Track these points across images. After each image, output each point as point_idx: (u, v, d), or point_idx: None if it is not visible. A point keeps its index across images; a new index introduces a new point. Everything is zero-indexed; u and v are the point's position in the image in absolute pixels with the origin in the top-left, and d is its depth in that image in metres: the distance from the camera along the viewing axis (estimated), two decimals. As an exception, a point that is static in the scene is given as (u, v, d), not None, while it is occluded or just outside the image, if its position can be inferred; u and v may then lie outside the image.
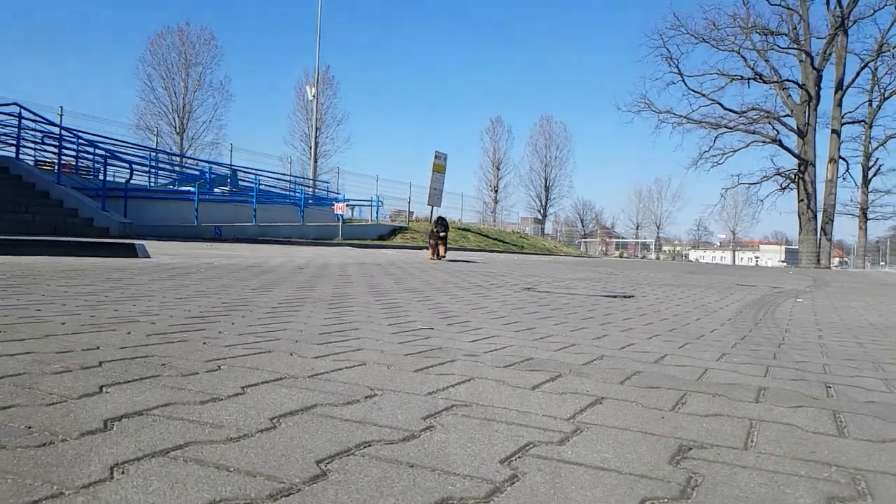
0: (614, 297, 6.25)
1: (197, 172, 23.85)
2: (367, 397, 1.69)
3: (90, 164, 19.01)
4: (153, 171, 21.83)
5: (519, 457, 1.27)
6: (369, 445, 1.29)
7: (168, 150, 31.33)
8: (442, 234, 11.83)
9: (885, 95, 36.80)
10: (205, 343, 2.37)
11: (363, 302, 4.35)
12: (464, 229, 28.68)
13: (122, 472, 1.09)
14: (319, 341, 2.55)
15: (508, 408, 1.65)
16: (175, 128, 36.66)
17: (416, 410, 1.58)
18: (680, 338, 3.30)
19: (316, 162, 31.09)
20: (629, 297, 6.37)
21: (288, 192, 25.31)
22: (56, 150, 17.03)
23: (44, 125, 17.07)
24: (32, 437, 1.27)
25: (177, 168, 24.80)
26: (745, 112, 36.39)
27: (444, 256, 12.18)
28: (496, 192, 52.27)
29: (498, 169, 52.99)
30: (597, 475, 1.19)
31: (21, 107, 16.12)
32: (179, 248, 11.85)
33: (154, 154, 23.63)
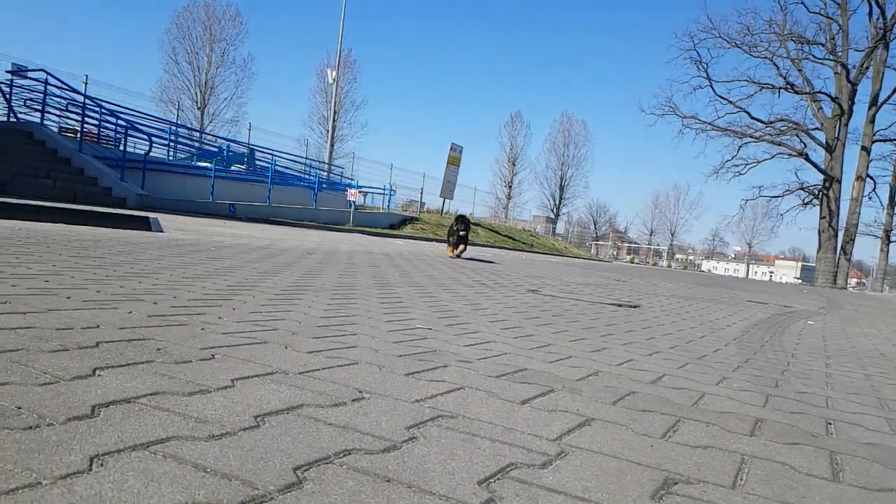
0: (619, 305, 6.21)
1: (215, 149, 23.99)
2: (354, 400, 1.68)
3: (111, 133, 19.17)
4: (172, 144, 21.99)
5: (498, 479, 1.26)
6: (349, 454, 1.29)
7: (188, 125, 31.51)
8: (462, 233, 11.21)
9: (922, 114, 36.15)
10: (203, 329, 2.38)
11: (365, 293, 4.36)
12: (474, 224, 28.65)
13: (101, 465, 1.10)
14: (316, 335, 2.55)
15: (494, 423, 1.64)
16: (196, 103, 36.87)
17: (401, 419, 1.57)
18: (681, 356, 3.27)
19: (332, 146, 31.15)
20: (635, 306, 6.33)
21: (303, 175, 25.40)
22: (79, 119, 17.19)
23: (68, 93, 17.22)
24: (21, 419, 1.28)
25: (195, 143, 24.95)
26: (772, 122, 35.84)
27: (461, 255, 11.54)
28: (510, 188, 52.05)
29: (513, 165, 52.73)
30: (575, 504, 1.18)
31: (48, 73, 16.28)
32: (193, 223, 11.94)
33: (174, 128, 23.77)
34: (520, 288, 6.77)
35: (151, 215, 9.23)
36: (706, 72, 35.78)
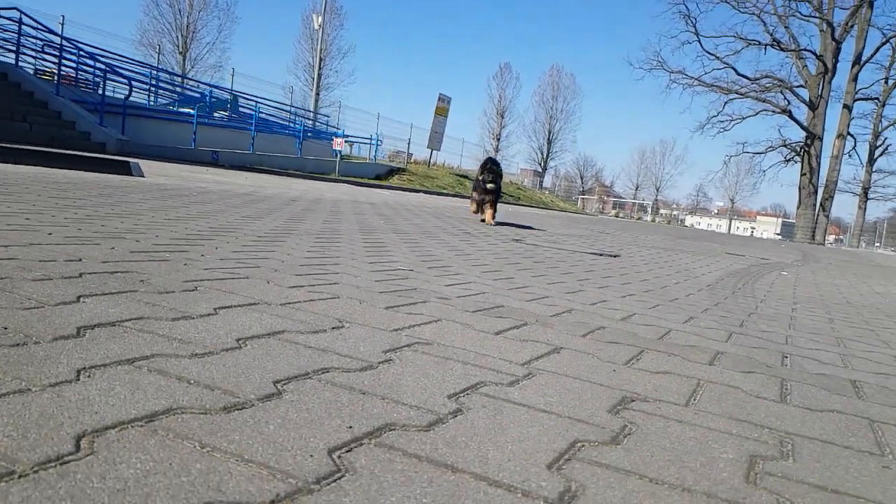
0: (600, 255, 6.32)
1: (197, 95, 23.45)
2: (334, 328, 1.75)
3: (90, 77, 18.64)
4: (153, 89, 21.44)
5: (467, 394, 1.34)
6: (327, 371, 1.36)
7: (169, 70, 30.67)
8: (490, 185, 7.67)
9: (903, 74, 36.16)
10: (185, 264, 2.42)
11: (349, 238, 4.40)
12: (462, 176, 28.53)
13: (89, 376, 1.16)
14: (298, 272, 2.61)
15: (468, 349, 1.72)
16: (178, 47, 35.79)
17: (378, 344, 1.64)
18: (654, 299, 3.37)
19: (318, 94, 30.56)
20: (615, 256, 6.44)
21: (288, 123, 24.99)
22: (56, 61, 16.67)
23: (44, 33, 16.64)
24: (7, 337, 1.33)
25: (178, 89, 24.36)
26: (758, 79, 35.76)
27: (491, 221, 8.03)
28: (498, 140, 51.62)
29: (502, 117, 52.17)
30: (537, 416, 1.27)
31: (21, 12, 15.68)
32: (175, 169, 11.80)
33: (155, 72, 23.15)
34: (504, 238, 6.84)
35: (132, 160, 9.11)
36: (694, 27, 35.37)
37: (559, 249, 6.17)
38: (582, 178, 64.42)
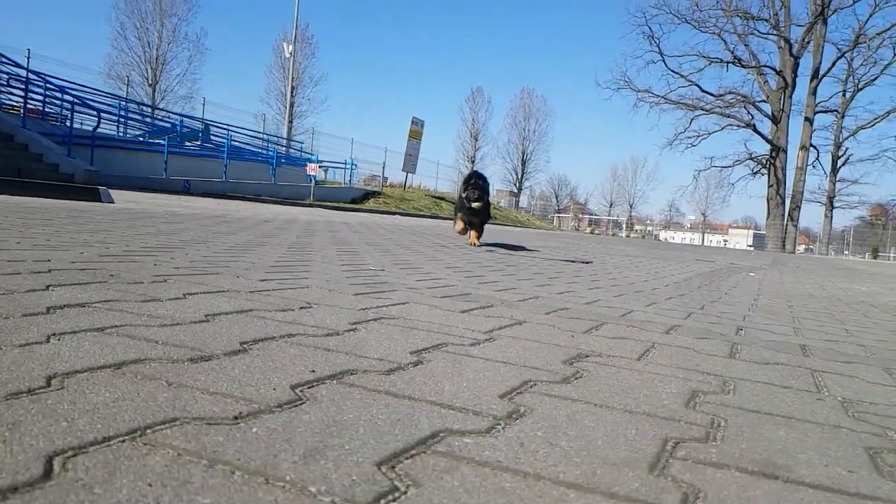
0: (573, 261, 6.43)
1: (168, 125, 23.36)
2: (302, 308, 1.81)
3: (57, 110, 18.50)
4: (122, 120, 21.33)
5: (429, 351, 1.41)
6: (293, 336, 1.42)
7: (139, 101, 30.54)
8: (475, 204, 6.29)
9: (859, 86, 37.49)
10: (155, 265, 2.46)
11: (322, 248, 4.45)
12: (438, 198, 28.73)
13: (58, 339, 1.20)
14: (269, 271, 2.65)
15: (433, 322, 1.78)
16: (147, 79, 35.70)
17: (345, 318, 1.70)
18: (619, 290, 3.48)
19: (291, 122, 30.68)
20: (588, 262, 6.57)
21: (261, 150, 24.99)
22: (22, 94, 16.53)
23: (10, 67, 16.53)
24: (-23, 318, 1.36)
25: (147, 119, 24.26)
26: (721, 95, 36.83)
27: (476, 242, 6.66)
28: (472, 162, 52.11)
29: (476, 140, 52.77)
30: (493, 365, 1.34)
31: (-16, 46, 15.56)
32: (145, 197, 11.73)
33: (124, 104, 23.05)
34: (479, 248, 6.93)
35: (101, 187, 9.06)
36: (658, 47, 36.38)
37: (532, 257, 6.27)
38: (557, 197, 65.27)
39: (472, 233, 6.67)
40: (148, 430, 0.78)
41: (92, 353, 1.11)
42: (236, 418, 0.85)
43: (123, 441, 0.74)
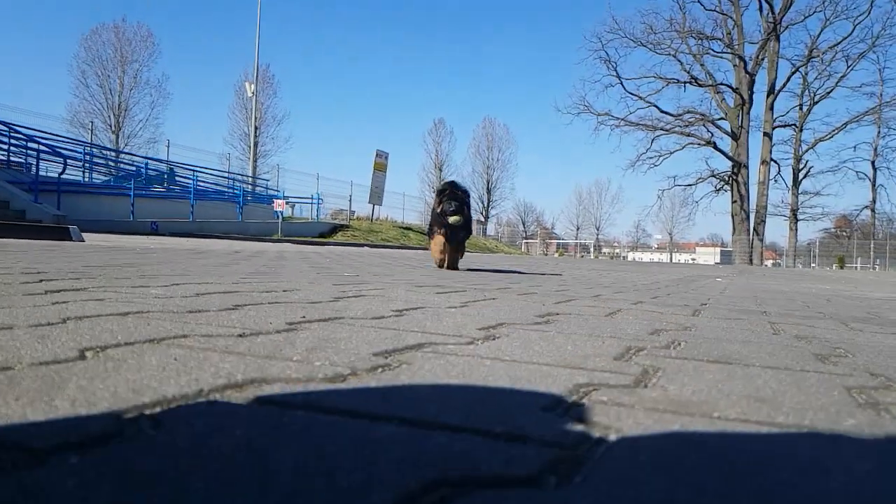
0: (542, 274, 6.58)
1: (133, 169, 23.19)
2: (285, 291, 1.88)
3: (22, 158, 18.26)
4: (88, 165, 21.11)
5: (409, 311, 1.50)
6: (279, 304, 1.49)
7: (103, 146, 30.24)
8: (453, 220, 5.02)
9: (815, 100, 38.81)
10: (138, 271, 2.50)
11: (296, 265, 4.51)
12: (406, 228, 28.85)
13: (63, 305, 1.26)
14: (246, 276, 2.72)
15: (411, 299, 1.87)
16: (111, 126, 35.40)
17: (327, 295, 1.79)
18: (587, 286, 3.61)
19: (255, 161, 30.70)
20: (557, 274, 6.72)
21: (227, 190, 24.91)
22: (-17, 143, 16.29)
23: (-32, 115, 16.30)
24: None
25: (112, 164, 24.04)
26: (680, 115, 37.87)
27: (453, 266, 5.36)
28: (437, 194, 52.56)
29: (441, 171, 53.27)
30: (471, 318, 1.43)
31: (-58, 94, 15.37)
32: (114, 238, 11.61)
33: (89, 149, 22.84)
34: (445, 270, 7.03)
35: (71, 226, 8.97)
36: (615, 70, 37.41)
37: (501, 272, 6.40)
38: (524, 223, 66.07)
39: (450, 253, 5.27)
40: (164, 340, 0.86)
41: (96, 309, 1.18)
42: (240, 335, 0.93)
43: (144, 343, 0.81)
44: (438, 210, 5.17)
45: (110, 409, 0.53)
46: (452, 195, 5.08)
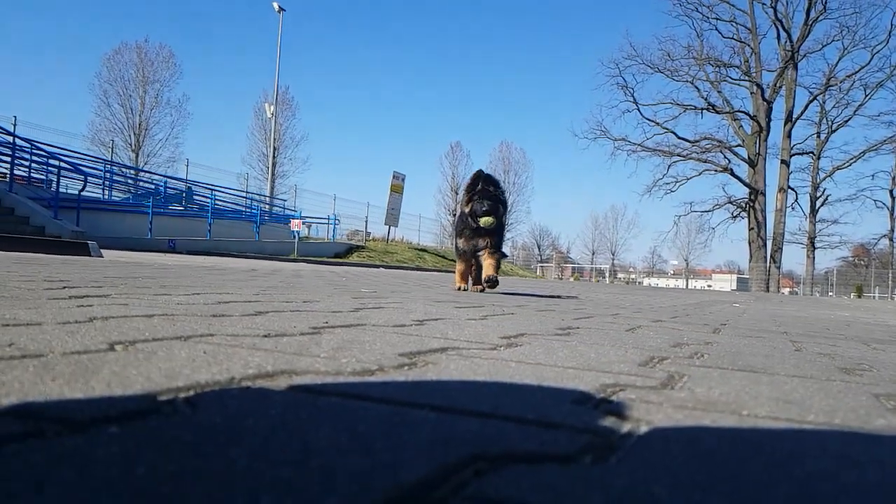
0: (559, 297, 6.55)
1: (152, 187, 23.53)
2: (304, 301, 1.89)
3: (43, 175, 18.63)
4: (108, 183, 21.47)
5: (430, 321, 1.50)
6: (301, 312, 1.50)
7: (124, 164, 30.77)
8: (484, 223, 4.04)
9: (833, 128, 38.52)
10: (159, 282, 2.53)
11: (312, 282, 4.53)
12: (421, 249, 28.92)
13: (90, 307, 1.28)
14: (266, 290, 2.74)
15: (430, 311, 1.88)
16: (131, 144, 36.05)
17: (347, 306, 1.79)
18: (605, 307, 3.59)
19: (273, 181, 31.08)
20: (573, 296, 6.69)
21: (244, 209, 25.18)
22: (9, 160, 16.67)
23: (-3, 134, 16.73)
24: (17, 296, 1.44)
25: (130, 181, 24.43)
26: (697, 141, 37.78)
27: (485, 285, 4.36)
28: (454, 216, 52.72)
29: (456, 193, 53.35)
30: (491, 328, 1.43)
31: (-29, 113, 15.77)
32: (133, 255, 11.77)
33: (109, 167, 23.26)
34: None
35: (90, 242, 9.10)
36: (633, 96, 37.44)
37: (516, 294, 6.39)
38: (539, 247, 66.00)
39: (487, 260, 4.23)
40: (191, 338, 0.87)
41: (121, 311, 1.19)
42: (265, 336, 0.94)
43: (172, 339, 0.83)
44: (467, 210, 4.14)
45: (145, 391, 0.53)
46: (484, 192, 4.08)
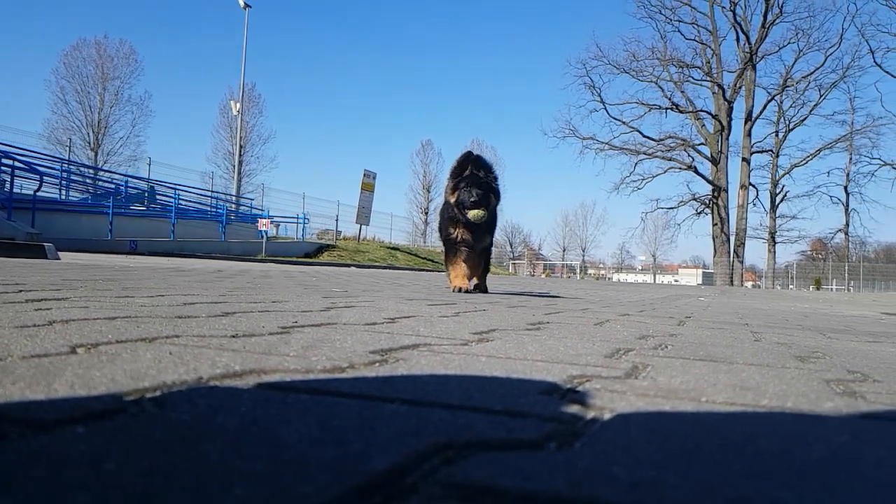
0: (530, 293, 6.61)
1: (112, 187, 22.96)
2: (273, 302, 1.88)
3: (-5, 174, 18.00)
4: (65, 183, 20.86)
5: (401, 319, 1.50)
6: (270, 312, 1.49)
7: (82, 163, 29.94)
8: (473, 216, 3.45)
9: (790, 127, 39.78)
10: (121, 285, 2.48)
11: (281, 282, 4.49)
12: (393, 248, 28.84)
13: (47, 310, 1.25)
14: (232, 290, 2.70)
15: (401, 310, 1.88)
16: (89, 143, 35.08)
17: (317, 306, 1.79)
18: (575, 302, 3.64)
19: (240, 180, 30.61)
20: (545, 292, 6.76)
21: (209, 209, 24.74)
22: (-43, 159, 16.06)
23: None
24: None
25: (89, 180, 23.79)
26: (662, 140, 38.57)
27: (477, 284, 4.05)
28: (426, 214, 52.62)
29: (428, 192, 53.42)
30: (463, 325, 1.45)
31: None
32: (92, 257, 11.46)
33: (66, 166, 22.60)
34: (440, 286, 7.04)
35: (47, 244, 8.84)
36: (600, 96, 38.00)
37: (491, 293, 6.42)
38: (511, 244, 66.43)
39: (464, 266, 3.76)
40: (156, 339, 0.86)
41: (82, 314, 1.17)
42: (233, 336, 0.94)
43: (136, 341, 0.82)
44: (453, 200, 3.53)
45: (110, 392, 0.53)
46: (473, 178, 3.46)
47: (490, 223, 3.63)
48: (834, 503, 0.36)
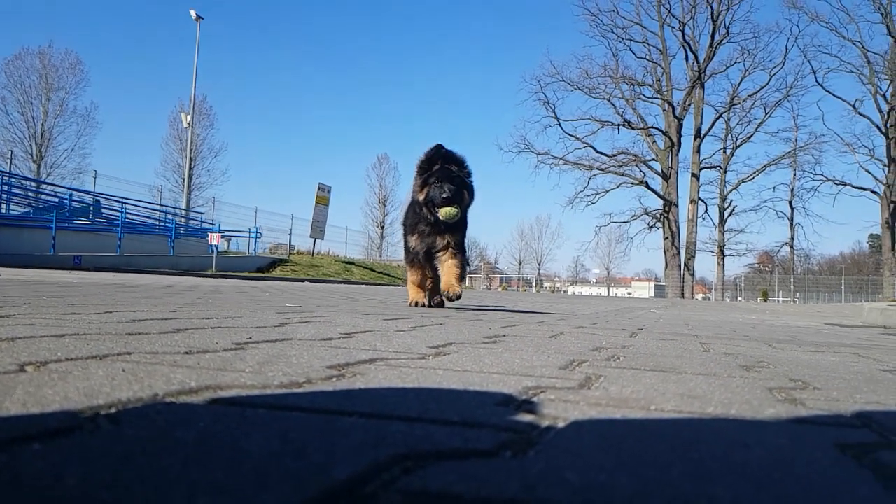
0: (486, 307, 6.66)
1: (56, 200, 22.14)
2: (226, 317, 1.85)
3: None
4: (5, 196, 20.00)
5: (357, 335, 1.51)
6: (223, 328, 1.47)
7: (23, 176, 28.78)
8: (444, 214, 3.13)
9: (737, 144, 41.38)
10: (69, 304, 2.40)
11: (234, 298, 4.41)
12: (349, 262, 28.60)
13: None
14: (182, 307, 2.64)
15: (358, 323, 1.88)
16: (32, 155, 33.78)
17: (272, 321, 1.77)
18: (531, 315, 3.68)
19: (189, 193, 29.89)
20: (501, 306, 6.81)
21: (157, 223, 24.10)
22: None
23: None
24: None
25: (31, 194, 22.88)
26: (615, 155, 39.59)
27: (444, 298, 3.61)
28: (382, 228, 52.45)
29: (384, 205, 53.24)
30: (419, 339, 1.45)
31: None
32: (33, 273, 11.00)
33: (7, 178, 21.69)
34: (395, 300, 7.02)
35: (-14, 261, 8.44)
36: (554, 112, 38.78)
37: (448, 307, 6.44)
38: (468, 258, 66.85)
39: (449, 271, 3.44)
40: (108, 357, 0.84)
41: (27, 332, 1.13)
42: (187, 353, 0.92)
43: (87, 359, 0.80)
44: (421, 198, 3.21)
45: (64, 409, 0.52)
46: (444, 173, 3.16)
47: (462, 221, 3.32)
48: (767, 499, 0.39)
